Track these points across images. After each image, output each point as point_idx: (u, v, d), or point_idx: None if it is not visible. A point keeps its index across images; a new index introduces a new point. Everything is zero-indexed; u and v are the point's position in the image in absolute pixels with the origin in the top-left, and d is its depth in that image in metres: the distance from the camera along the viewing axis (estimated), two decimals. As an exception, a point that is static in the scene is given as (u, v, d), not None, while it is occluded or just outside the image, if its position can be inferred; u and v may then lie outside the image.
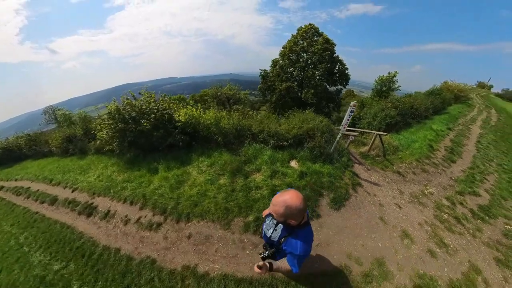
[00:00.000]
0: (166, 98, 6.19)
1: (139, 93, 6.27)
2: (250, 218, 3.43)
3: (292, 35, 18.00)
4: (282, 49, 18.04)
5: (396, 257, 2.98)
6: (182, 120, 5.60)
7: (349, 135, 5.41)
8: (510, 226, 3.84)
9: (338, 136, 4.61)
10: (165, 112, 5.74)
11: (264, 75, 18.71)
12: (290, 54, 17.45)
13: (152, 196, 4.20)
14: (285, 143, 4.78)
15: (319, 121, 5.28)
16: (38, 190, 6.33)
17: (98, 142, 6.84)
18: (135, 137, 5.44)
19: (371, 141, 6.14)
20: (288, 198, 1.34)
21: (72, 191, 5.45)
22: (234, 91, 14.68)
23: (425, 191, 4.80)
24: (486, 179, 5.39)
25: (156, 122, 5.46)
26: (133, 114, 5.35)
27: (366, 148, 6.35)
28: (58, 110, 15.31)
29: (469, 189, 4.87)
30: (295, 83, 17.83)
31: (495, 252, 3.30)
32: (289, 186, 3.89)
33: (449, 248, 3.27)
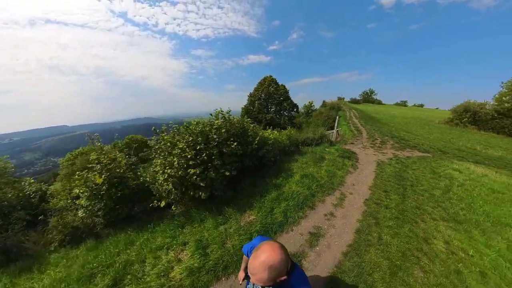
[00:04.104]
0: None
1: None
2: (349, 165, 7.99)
3: (259, 82, 28.44)
4: (254, 91, 27.97)
5: (385, 158, 8.82)
6: (272, 138, 6.97)
7: (332, 133, 11.50)
8: (395, 144, 11.15)
9: (334, 133, 10.41)
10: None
11: (247, 111, 27.11)
12: (264, 95, 27.24)
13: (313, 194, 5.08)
14: (318, 141, 9.90)
15: (321, 129, 10.93)
16: None
17: (87, 213, 4.00)
18: (235, 162, 4.57)
19: (335, 134, 12.64)
20: (264, 257, 1.13)
21: None
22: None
23: (364, 144, 11.55)
24: (376, 134, 13.25)
25: (259, 140, 5.66)
26: (223, 134, 4.44)
27: (333, 138, 12.78)
28: None
29: (375, 139, 12.24)
30: (274, 114, 27.63)
31: (396, 149, 10.15)
32: (336, 157, 8.87)
33: (388, 153, 9.66)
